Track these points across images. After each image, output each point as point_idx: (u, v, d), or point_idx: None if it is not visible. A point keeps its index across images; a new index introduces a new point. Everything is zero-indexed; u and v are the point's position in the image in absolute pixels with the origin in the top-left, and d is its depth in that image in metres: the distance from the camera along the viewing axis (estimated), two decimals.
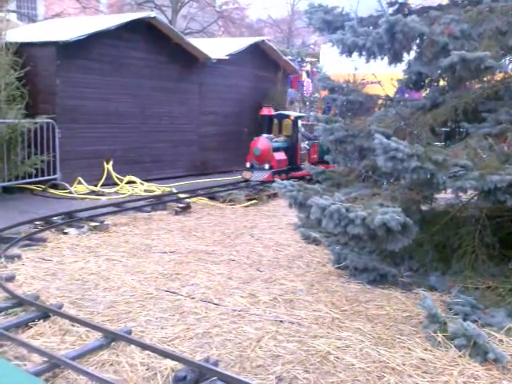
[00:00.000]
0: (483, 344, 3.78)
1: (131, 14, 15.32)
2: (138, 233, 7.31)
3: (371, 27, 6.17)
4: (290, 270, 5.85)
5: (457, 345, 3.91)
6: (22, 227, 7.00)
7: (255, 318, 4.49)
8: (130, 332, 4.08)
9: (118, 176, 10.90)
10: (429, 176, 4.69)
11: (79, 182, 10.20)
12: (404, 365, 3.75)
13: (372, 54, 5.92)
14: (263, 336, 4.14)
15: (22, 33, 11.20)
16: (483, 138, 5.13)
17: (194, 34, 26.67)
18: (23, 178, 9.27)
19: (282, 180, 5.77)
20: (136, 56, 11.46)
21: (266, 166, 10.79)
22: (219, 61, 13.20)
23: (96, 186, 10.34)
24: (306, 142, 12.35)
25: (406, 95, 8.00)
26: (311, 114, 16.52)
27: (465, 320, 4.12)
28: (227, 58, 13.42)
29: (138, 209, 8.64)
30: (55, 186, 9.84)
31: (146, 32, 11.50)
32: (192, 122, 13.18)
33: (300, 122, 12.12)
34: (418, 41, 5.77)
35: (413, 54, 6.01)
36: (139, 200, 9.27)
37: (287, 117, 11.86)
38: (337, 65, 12.97)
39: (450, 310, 4.56)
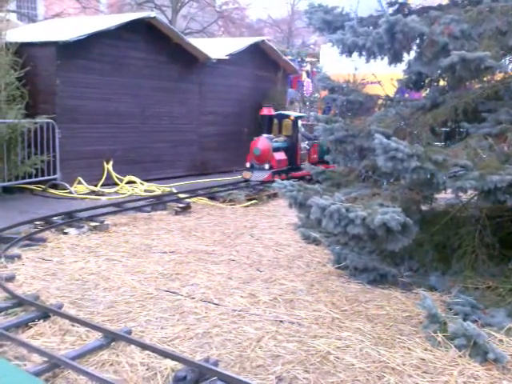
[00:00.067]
0: (483, 344, 3.78)
1: (131, 14, 15.32)
2: (138, 233, 7.31)
3: (371, 27, 6.17)
4: (289, 270, 5.85)
5: (457, 345, 3.92)
6: (22, 227, 7.00)
7: (255, 318, 4.49)
8: (130, 332, 4.08)
9: (118, 176, 10.90)
10: (429, 176, 4.69)
11: (79, 182, 10.20)
12: (404, 365, 3.75)
13: (372, 54, 5.93)
14: (263, 336, 4.14)
15: (22, 33, 11.20)
16: (483, 137, 5.13)
17: (194, 33, 26.67)
18: (23, 177, 9.27)
19: (282, 180, 5.76)
20: (136, 56, 11.46)
21: (266, 166, 10.77)
22: (219, 61, 13.20)
23: (96, 186, 10.34)
24: (306, 142, 12.33)
25: (406, 95, 8.00)
26: (311, 114, 16.51)
27: (465, 320, 4.12)
28: (227, 58, 13.42)
29: (138, 209, 8.64)
30: (55, 186, 9.84)
31: (146, 32, 11.50)
32: (192, 121, 13.18)
33: (300, 122, 12.09)
34: (417, 41, 5.77)
35: (413, 54, 6.02)
36: (139, 200, 9.27)
37: (287, 117, 11.85)
38: (337, 65, 12.97)
39: (450, 310, 4.56)
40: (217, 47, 14.07)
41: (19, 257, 5.89)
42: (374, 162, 5.20)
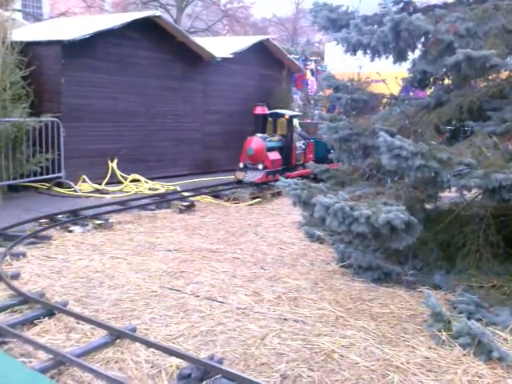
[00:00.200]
0: (488, 343, 3.78)
1: (136, 12, 15.36)
2: (142, 231, 7.33)
3: (376, 26, 6.16)
4: (294, 269, 5.86)
5: (461, 343, 3.92)
6: (27, 225, 7.03)
7: (259, 316, 4.50)
8: (134, 330, 4.09)
9: (122, 174, 10.92)
10: (433, 174, 4.68)
11: (84, 181, 10.22)
12: (408, 363, 3.75)
13: (377, 52, 5.92)
14: (267, 334, 4.15)
15: (28, 32, 11.23)
16: (488, 136, 5.11)
17: (199, 32, 26.69)
18: (28, 176, 9.30)
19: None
20: (140, 55, 11.47)
21: (260, 167, 10.43)
22: (224, 59, 13.19)
23: (100, 184, 10.36)
24: (302, 142, 12.07)
25: (411, 94, 7.99)
26: (316, 112, 16.51)
27: (469, 319, 4.11)
28: (232, 56, 13.41)
29: (143, 207, 8.66)
30: (60, 185, 9.87)
31: (150, 31, 11.51)
32: (196, 120, 13.19)
33: (296, 121, 11.84)
34: (422, 39, 5.76)
35: (417, 52, 6.01)
36: (143, 198, 9.29)
37: (282, 116, 11.55)
38: (341, 63, 12.98)
39: (455, 308, 4.56)
40: (221, 46, 14.06)
41: (24, 255, 5.91)
42: (379, 160, 5.20)
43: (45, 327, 4.15)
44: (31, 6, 24.19)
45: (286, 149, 11.37)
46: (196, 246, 6.67)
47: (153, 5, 25.90)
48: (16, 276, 5.23)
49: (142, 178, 11.00)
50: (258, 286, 5.23)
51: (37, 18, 21.85)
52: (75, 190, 9.68)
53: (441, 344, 4.01)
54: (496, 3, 5.55)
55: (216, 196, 9.95)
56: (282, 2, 35.28)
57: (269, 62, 15.31)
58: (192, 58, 12.59)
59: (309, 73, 19.91)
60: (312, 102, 18.45)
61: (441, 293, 5.04)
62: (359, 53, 6.09)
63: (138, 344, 3.86)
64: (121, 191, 10.17)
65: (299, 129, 12.41)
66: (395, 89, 6.83)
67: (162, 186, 10.68)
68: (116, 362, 3.67)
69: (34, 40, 10.07)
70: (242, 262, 6.08)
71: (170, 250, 6.42)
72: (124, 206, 8.60)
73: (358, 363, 3.74)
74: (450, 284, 5.08)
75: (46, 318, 4.27)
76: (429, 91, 6.70)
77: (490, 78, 5.78)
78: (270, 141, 10.98)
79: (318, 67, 20.71)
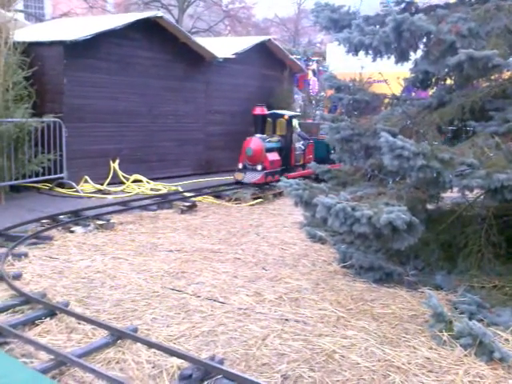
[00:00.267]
0: (489, 343, 3.77)
1: (138, 13, 15.36)
2: (144, 231, 7.34)
3: (378, 26, 6.16)
4: (295, 269, 5.86)
5: (462, 344, 3.91)
6: (28, 225, 7.04)
7: (260, 317, 4.50)
8: (135, 330, 4.10)
9: (124, 175, 10.93)
10: (435, 174, 4.67)
11: (85, 181, 10.23)
12: (409, 364, 3.74)
13: (379, 52, 5.92)
14: (268, 334, 4.15)
15: (30, 32, 11.25)
16: (490, 136, 5.10)
17: (201, 33, 26.70)
18: (30, 176, 9.31)
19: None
20: (143, 55, 11.48)
21: (259, 167, 10.32)
22: (226, 60, 13.19)
23: (102, 184, 10.37)
24: (302, 142, 11.94)
25: (413, 94, 7.98)
26: (317, 113, 16.50)
27: (470, 319, 4.11)
28: (234, 57, 13.41)
29: (144, 207, 8.67)
30: (62, 185, 9.88)
31: (152, 31, 11.52)
32: (198, 120, 13.19)
33: (295, 122, 11.70)
34: (424, 39, 5.76)
35: (419, 52, 6.00)
36: (145, 199, 9.30)
37: (281, 116, 11.36)
38: (343, 63, 12.95)
39: (456, 309, 4.55)
40: (223, 46, 14.07)
41: (26, 255, 5.92)
42: (380, 160, 5.20)
43: (46, 327, 4.15)
44: (33, 6, 24.22)
45: (285, 149, 11.27)
46: (197, 246, 6.67)
47: (155, 5, 25.91)
48: (18, 276, 5.24)
49: (144, 179, 11.01)
50: (260, 287, 5.23)
51: (39, 18, 21.88)
52: (77, 191, 9.70)
53: (442, 344, 4.00)
54: (498, 3, 5.54)
55: (218, 196, 9.96)
56: (284, 3, 35.32)
57: (271, 62, 15.32)
58: (194, 58, 12.60)
59: (310, 73, 19.90)
60: (314, 102, 18.44)
61: (442, 293, 5.03)
62: (361, 53, 6.09)
63: (139, 344, 3.86)
64: (123, 192, 10.18)
65: (299, 129, 12.28)
66: (397, 89, 6.82)
67: (163, 187, 10.68)
68: (117, 362, 3.67)
69: (37, 40, 10.10)
70: (244, 262, 6.08)
71: (171, 251, 6.42)
72: (126, 206, 8.61)
73: (359, 364, 3.74)
74: (451, 284, 5.07)
75: (48, 319, 4.28)
76: (431, 91, 6.69)
77: (493, 78, 5.77)
78: (269, 141, 10.88)
79: (320, 67, 20.70)
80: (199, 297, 4.92)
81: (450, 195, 5.97)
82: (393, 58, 6.03)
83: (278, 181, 10.42)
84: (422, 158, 4.59)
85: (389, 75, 6.71)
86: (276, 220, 8.42)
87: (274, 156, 10.83)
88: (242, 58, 13.73)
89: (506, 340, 4.09)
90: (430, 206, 5.88)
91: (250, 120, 14.43)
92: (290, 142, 11.36)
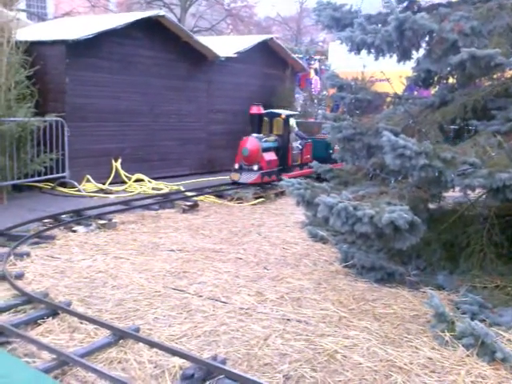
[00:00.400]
0: (491, 343, 3.76)
1: (140, 12, 15.37)
2: (145, 231, 7.34)
3: (380, 25, 6.14)
4: (297, 269, 5.85)
5: (464, 344, 3.90)
6: (30, 225, 7.05)
7: (262, 317, 4.50)
8: (137, 330, 4.10)
9: (126, 174, 10.94)
10: (437, 174, 4.66)
11: (88, 180, 10.25)
12: (411, 364, 3.74)
13: (381, 51, 5.90)
14: (270, 334, 4.15)
15: (32, 32, 11.26)
16: (492, 135, 5.09)
17: (203, 32, 26.68)
18: (32, 176, 9.33)
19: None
20: (145, 54, 11.49)
21: (255, 167, 10.18)
22: (228, 59, 13.19)
23: (104, 184, 10.38)
24: (299, 142, 11.80)
25: (415, 93, 7.96)
26: (319, 112, 16.48)
27: (472, 319, 4.10)
28: (236, 56, 13.41)
29: (146, 207, 8.67)
30: (64, 184, 9.90)
31: (154, 30, 11.52)
32: (200, 120, 13.20)
33: (292, 121, 11.60)
34: (427, 38, 5.74)
35: (422, 51, 5.98)
36: (147, 198, 9.30)
37: (278, 115, 11.23)
38: (345, 62, 12.94)
39: (458, 309, 4.54)
40: (225, 45, 14.06)
41: (28, 254, 5.93)
42: (382, 159, 5.18)
43: (48, 327, 4.16)
44: (35, 5, 24.26)
45: (282, 149, 11.10)
46: (199, 245, 6.67)
47: (157, 4, 25.91)
48: (20, 276, 5.24)
49: (146, 178, 11.02)
50: (261, 286, 5.23)
51: (41, 17, 21.91)
52: (79, 190, 9.71)
53: (444, 345, 3.99)
54: (501, 2, 5.52)
55: (219, 196, 9.95)
56: (286, 1, 35.24)
57: (272, 61, 15.31)
58: (196, 57, 12.60)
59: (312, 72, 19.88)
60: (316, 101, 18.41)
61: (444, 293, 5.02)
62: (363, 52, 6.07)
63: (141, 344, 3.86)
64: (124, 191, 10.19)
65: (296, 128, 12.15)
66: (399, 88, 6.81)
67: (165, 186, 10.69)
68: (119, 362, 3.67)
69: (39, 40, 10.11)
70: (245, 262, 6.07)
71: (173, 250, 6.42)
72: (127, 205, 8.61)
73: (361, 364, 3.74)
74: (453, 284, 5.06)
75: (50, 318, 4.28)
76: (433, 90, 6.68)
77: (495, 76, 5.75)
78: (265, 141, 10.72)
79: (322, 66, 20.68)
80: (201, 296, 4.92)
81: (452, 195, 5.96)
82: (395, 57, 6.01)
83: (275, 181, 10.47)
84: (424, 157, 4.59)
85: (391, 74, 6.71)
86: (278, 219, 8.41)
87: (270, 156, 10.69)
88: (243, 56, 13.72)
89: (509, 340, 4.08)
90: (431, 206, 5.87)
91: None
92: (287, 141, 11.21)
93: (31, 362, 3.58)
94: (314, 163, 6.98)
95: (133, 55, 11.22)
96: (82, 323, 4.20)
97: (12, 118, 8.84)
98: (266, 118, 11.36)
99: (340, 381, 3.53)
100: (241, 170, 10.32)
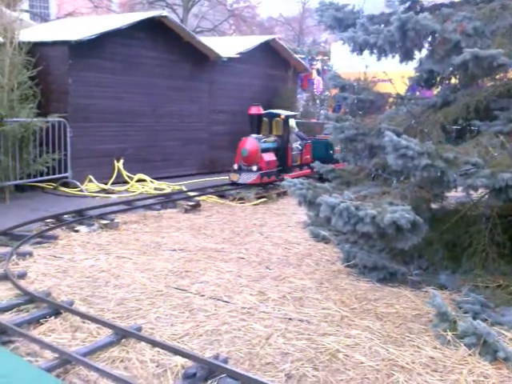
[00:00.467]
0: (493, 343, 3.76)
1: (143, 13, 15.40)
2: (147, 231, 7.35)
3: (382, 25, 6.15)
4: (299, 268, 5.85)
5: (466, 343, 3.90)
6: (33, 225, 7.07)
7: (264, 316, 4.50)
8: (140, 329, 4.10)
9: (128, 174, 10.96)
10: (439, 174, 4.66)
11: (90, 180, 10.26)
12: (413, 363, 3.73)
13: (383, 51, 5.91)
14: (272, 333, 4.15)
15: (35, 32, 11.29)
16: (495, 135, 5.09)
17: (205, 32, 26.71)
18: (35, 176, 9.35)
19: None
20: (147, 55, 11.50)
21: (254, 168, 10.09)
22: (230, 59, 13.20)
23: (106, 184, 10.40)
24: (299, 142, 11.71)
25: (417, 93, 7.96)
26: (321, 112, 16.48)
27: (475, 318, 4.10)
28: (238, 56, 13.42)
29: (148, 207, 8.68)
30: (66, 184, 9.92)
31: (157, 31, 11.54)
32: (202, 120, 13.21)
33: (292, 121, 11.52)
34: (429, 38, 5.75)
35: (424, 51, 5.99)
36: (149, 198, 9.31)
37: (277, 116, 11.13)
38: (348, 62, 12.95)
39: (460, 308, 4.54)
40: (228, 46, 14.07)
41: (31, 254, 5.95)
42: (385, 160, 5.19)
43: (51, 326, 4.17)
44: (38, 6, 24.32)
45: (281, 150, 11.02)
46: (201, 245, 6.68)
47: (159, 5, 25.95)
48: (22, 275, 5.26)
49: (148, 178, 11.03)
50: (263, 286, 5.24)
51: (44, 18, 21.96)
52: (81, 190, 9.73)
53: (446, 344, 3.99)
54: (503, 2, 5.52)
55: (221, 196, 9.96)
56: (289, 2, 35.26)
57: (275, 61, 15.32)
58: (198, 57, 12.61)
59: (315, 72, 19.89)
60: (318, 101, 18.42)
61: (446, 293, 5.02)
62: (365, 52, 6.08)
63: (143, 343, 3.87)
64: (127, 191, 10.20)
65: (296, 129, 12.07)
66: (402, 88, 6.81)
67: (167, 186, 10.70)
68: (121, 361, 3.68)
69: (42, 40, 10.13)
70: (247, 261, 6.08)
71: (175, 250, 6.43)
72: (130, 205, 8.63)
73: (362, 363, 3.74)
74: (455, 284, 5.06)
75: (52, 318, 4.29)
76: (435, 91, 6.68)
77: (498, 77, 5.75)
78: (264, 141, 10.65)
79: (324, 67, 20.70)
80: (203, 296, 4.93)
81: (455, 195, 5.96)
82: (397, 57, 6.02)
83: (274, 182, 10.46)
84: (426, 157, 4.59)
85: (393, 74, 6.71)
86: (280, 219, 8.42)
87: (269, 156, 10.60)
88: (246, 57, 13.73)
89: (511, 339, 4.08)
90: (434, 206, 5.87)
91: None
92: (286, 142, 11.12)
93: (34, 361, 3.59)
94: (316, 163, 6.98)
95: (135, 56, 11.24)
96: (84, 322, 4.21)
97: (15, 119, 8.86)
98: (265, 119, 11.28)
99: (342, 380, 3.53)
100: (240, 170, 10.26)
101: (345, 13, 6.42)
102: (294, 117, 12.08)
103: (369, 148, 6.03)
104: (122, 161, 11.01)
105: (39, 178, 9.48)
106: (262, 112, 11.16)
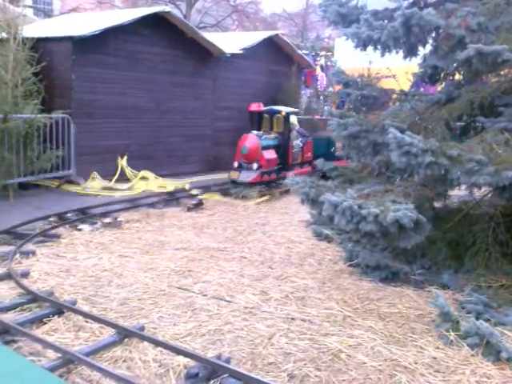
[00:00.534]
0: (496, 343, 3.74)
1: (146, 8, 15.33)
2: (150, 229, 7.35)
3: (386, 21, 6.09)
4: (301, 268, 5.84)
5: (469, 343, 3.88)
6: (36, 223, 7.08)
7: (267, 316, 4.49)
8: (142, 328, 4.11)
9: (131, 171, 10.95)
10: (443, 172, 4.63)
11: (93, 177, 10.27)
12: (416, 363, 3.72)
13: (387, 47, 5.86)
14: (275, 333, 4.15)
15: (39, 28, 11.28)
16: (499, 132, 5.05)
17: (209, 28, 26.60)
18: (39, 173, 9.35)
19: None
20: (150, 51, 11.48)
21: (255, 166, 9.93)
22: (233, 55, 13.16)
23: (110, 181, 10.40)
24: (300, 139, 11.56)
25: (421, 89, 7.90)
26: (325, 108, 16.40)
27: (477, 319, 4.08)
28: (241, 52, 13.37)
29: (151, 205, 8.69)
30: (70, 182, 9.92)
31: (160, 27, 11.51)
32: (206, 116, 13.18)
33: (293, 118, 11.36)
34: (433, 34, 5.70)
35: (428, 47, 5.93)
36: (152, 196, 9.31)
37: (278, 112, 10.95)
38: (351, 58, 12.85)
39: (463, 308, 4.52)
40: (231, 41, 14.03)
41: (34, 253, 5.95)
42: (388, 157, 5.16)
43: (54, 326, 4.17)
44: (42, 2, 24.29)
45: (282, 147, 10.85)
46: (204, 244, 6.67)
47: (162, 0, 25.85)
48: (25, 274, 5.26)
49: (152, 175, 11.01)
50: (266, 286, 5.23)
51: (47, 14, 21.94)
52: (85, 188, 9.73)
53: (449, 344, 3.98)
54: None
55: (224, 194, 9.93)
56: None
57: (278, 57, 15.26)
58: (201, 53, 12.58)
59: (318, 68, 19.77)
60: (322, 97, 18.33)
61: (449, 292, 5.00)
62: (369, 48, 6.03)
63: (146, 343, 3.87)
64: (130, 189, 10.19)
65: (297, 126, 11.95)
66: (405, 84, 6.75)
67: (170, 184, 10.69)
68: (124, 360, 3.69)
69: (45, 36, 10.13)
70: (250, 261, 6.07)
71: (178, 249, 6.43)
72: (133, 204, 8.64)
73: (365, 363, 3.73)
74: (458, 283, 5.03)
75: (55, 317, 4.30)
76: (439, 87, 6.63)
77: (502, 73, 5.70)
78: (265, 139, 10.47)
79: (328, 62, 20.57)
80: (206, 295, 4.92)
81: (458, 193, 5.92)
82: (401, 53, 5.97)
83: (275, 180, 10.40)
84: (430, 154, 4.55)
85: (397, 70, 6.65)
86: (282, 218, 8.40)
87: (270, 154, 10.43)
88: (249, 53, 13.68)
89: None
90: (437, 204, 5.83)
91: None
92: (287, 139, 10.95)
93: (37, 361, 3.60)
94: (319, 161, 6.94)
95: (139, 51, 11.22)
96: (87, 322, 4.22)
97: (19, 115, 8.86)
98: (265, 115, 11.12)
99: (344, 380, 3.53)
100: (240, 168, 10.10)
101: (348, 8, 6.37)
102: (295, 113, 11.94)
103: (372, 145, 5.99)
104: (125, 157, 10.99)
105: (43, 176, 9.48)
106: (263, 109, 11.01)
